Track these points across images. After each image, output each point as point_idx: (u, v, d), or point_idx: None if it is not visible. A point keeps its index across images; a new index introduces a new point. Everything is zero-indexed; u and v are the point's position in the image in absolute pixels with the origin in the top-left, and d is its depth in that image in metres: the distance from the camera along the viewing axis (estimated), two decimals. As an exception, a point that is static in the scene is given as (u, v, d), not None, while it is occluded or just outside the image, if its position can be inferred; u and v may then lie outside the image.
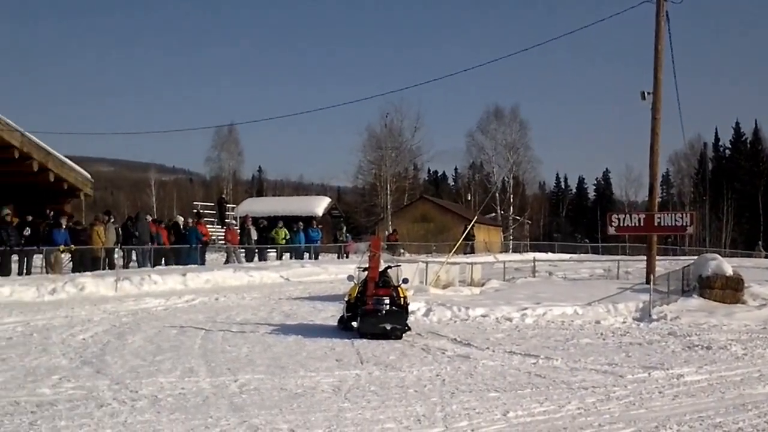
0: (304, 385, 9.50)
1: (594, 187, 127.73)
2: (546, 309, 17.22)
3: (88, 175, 40.25)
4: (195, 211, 44.50)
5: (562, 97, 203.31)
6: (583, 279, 27.43)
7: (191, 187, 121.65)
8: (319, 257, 38.79)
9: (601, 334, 14.82)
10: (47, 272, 24.74)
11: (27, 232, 25.32)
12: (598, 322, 16.41)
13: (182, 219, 34.64)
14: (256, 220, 37.98)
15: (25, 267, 25.06)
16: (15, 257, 25.11)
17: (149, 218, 32.62)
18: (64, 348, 12.21)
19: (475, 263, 26.56)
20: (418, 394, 9.11)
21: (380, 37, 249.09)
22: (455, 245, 27.99)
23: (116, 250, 28.56)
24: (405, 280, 15.28)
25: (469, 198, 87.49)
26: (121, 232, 29.17)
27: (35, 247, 25.45)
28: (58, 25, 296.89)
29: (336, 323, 15.14)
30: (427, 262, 24.17)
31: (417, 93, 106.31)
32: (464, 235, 31.71)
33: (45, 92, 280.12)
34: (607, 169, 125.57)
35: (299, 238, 37.86)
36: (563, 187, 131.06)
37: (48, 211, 29.72)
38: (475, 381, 9.96)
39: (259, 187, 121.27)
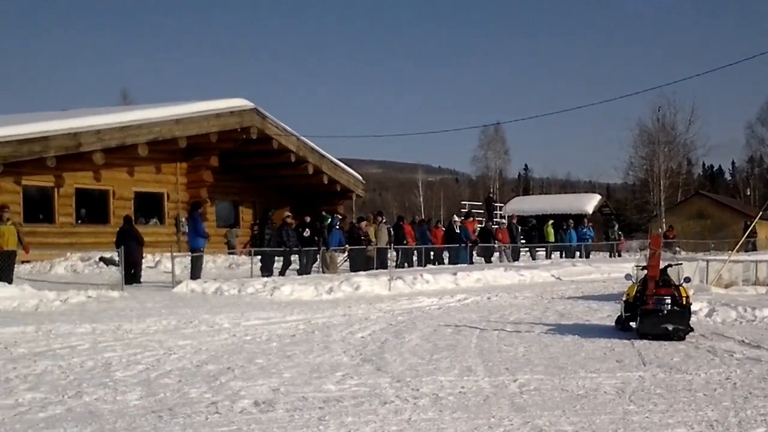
0: (586, 387, 9.20)
1: None
2: None
3: (359, 177, 41.92)
4: (464, 210, 45.01)
5: None
6: None
7: (457, 187, 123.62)
8: (590, 256, 38.16)
9: None
10: (323, 272, 25.68)
11: (306, 233, 26.45)
12: None
13: (457, 219, 34.97)
14: (523, 219, 37.94)
15: (298, 267, 26.19)
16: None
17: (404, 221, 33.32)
18: (344, 345, 12.51)
19: (760, 261, 25.05)
20: (707, 398, 8.59)
21: (649, 30, 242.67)
22: (737, 243, 26.50)
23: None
24: (687, 279, 14.52)
25: (748, 193, 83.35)
26: (392, 232, 29.86)
27: (314, 248, 26.56)
28: (336, 31, 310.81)
29: (613, 323, 14.67)
30: (707, 260, 23.09)
31: (691, 85, 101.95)
32: (747, 232, 30.11)
33: (315, 97, 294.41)
34: None
35: (570, 236, 37.46)
36: None
37: (323, 212, 31.05)
38: (770, 386, 9.28)
39: (525, 185, 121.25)
